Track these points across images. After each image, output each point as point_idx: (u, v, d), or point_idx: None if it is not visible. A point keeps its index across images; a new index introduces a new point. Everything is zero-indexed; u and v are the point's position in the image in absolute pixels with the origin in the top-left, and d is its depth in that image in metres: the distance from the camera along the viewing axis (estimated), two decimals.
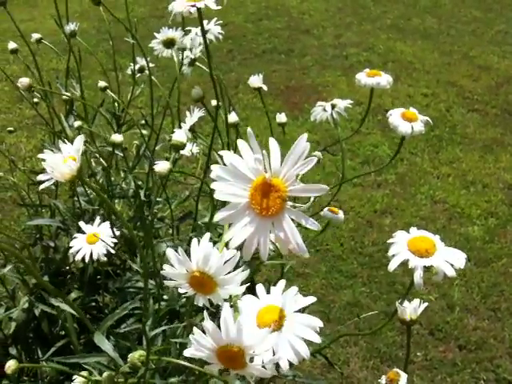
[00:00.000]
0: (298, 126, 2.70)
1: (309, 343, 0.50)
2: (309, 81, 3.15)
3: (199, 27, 0.97)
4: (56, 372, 1.02)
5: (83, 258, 0.92)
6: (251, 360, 0.48)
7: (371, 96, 0.87)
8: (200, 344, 0.49)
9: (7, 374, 0.68)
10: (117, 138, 0.86)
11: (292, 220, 0.45)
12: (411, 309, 0.62)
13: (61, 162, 0.54)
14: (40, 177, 0.74)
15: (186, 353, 0.51)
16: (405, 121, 0.76)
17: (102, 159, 1.06)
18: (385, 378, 0.72)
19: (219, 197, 0.46)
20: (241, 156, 0.45)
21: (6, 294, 1.21)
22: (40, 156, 0.63)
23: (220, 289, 0.52)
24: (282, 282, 0.53)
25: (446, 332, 1.74)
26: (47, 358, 0.95)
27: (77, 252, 0.93)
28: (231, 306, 0.51)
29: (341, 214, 1.01)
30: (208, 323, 0.48)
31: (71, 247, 0.94)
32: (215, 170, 0.46)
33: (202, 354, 0.50)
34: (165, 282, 0.54)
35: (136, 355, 0.63)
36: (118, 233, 0.95)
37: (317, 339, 0.49)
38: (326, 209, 0.99)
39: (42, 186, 0.76)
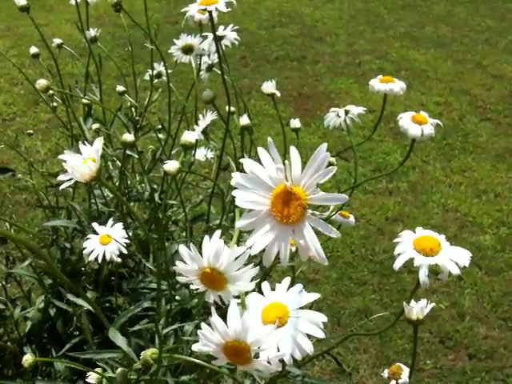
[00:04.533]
0: (311, 132, 2.71)
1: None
2: (321, 88, 3.16)
3: (216, 32, 0.98)
4: (69, 371, 1.04)
5: (98, 259, 0.94)
6: (256, 356, 0.49)
7: (384, 102, 0.87)
8: (207, 339, 0.50)
9: (22, 372, 0.69)
10: (128, 137, 0.87)
11: (312, 228, 0.46)
12: (418, 308, 0.63)
13: (81, 163, 0.55)
14: (60, 177, 0.75)
15: (194, 347, 0.52)
16: (415, 124, 0.76)
17: (118, 162, 1.08)
18: (387, 371, 0.73)
19: (241, 204, 0.47)
20: (261, 164, 0.46)
21: (21, 295, 1.24)
22: (60, 157, 0.64)
23: (230, 285, 0.53)
24: (287, 280, 0.54)
25: (456, 340, 1.73)
26: (61, 355, 0.97)
27: (90, 252, 0.95)
28: (239, 303, 0.52)
29: (352, 219, 1.01)
30: (215, 318, 0.49)
31: (85, 248, 0.96)
32: (236, 178, 0.47)
33: (209, 348, 0.51)
34: (177, 277, 0.55)
35: (148, 353, 0.64)
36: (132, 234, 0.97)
37: (321, 334, 0.49)
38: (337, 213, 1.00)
39: (62, 186, 0.78)
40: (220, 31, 1.00)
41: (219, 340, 0.49)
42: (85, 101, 1.10)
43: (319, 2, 4.37)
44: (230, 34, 1.01)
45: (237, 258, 0.50)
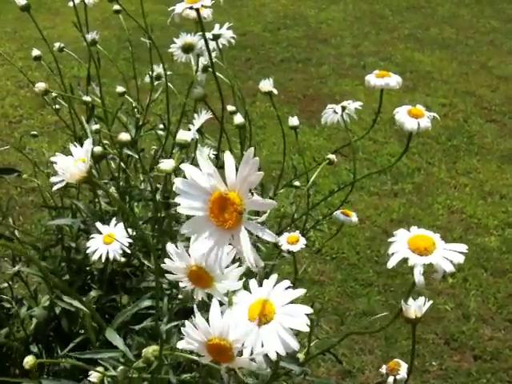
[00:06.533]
0: (315, 134, 2.71)
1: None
2: (326, 90, 3.17)
3: (211, 31, 0.99)
4: (76, 370, 1.04)
5: (102, 258, 0.95)
6: (240, 353, 0.49)
7: (381, 97, 0.88)
8: (191, 337, 0.50)
9: (29, 371, 0.70)
10: (124, 136, 0.87)
11: (250, 232, 0.46)
12: (416, 307, 0.63)
13: (71, 164, 0.56)
14: (52, 179, 0.76)
15: (179, 345, 0.52)
16: (411, 117, 0.76)
17: (120, 162, 1.09)
18: (385, 367, 0.72)
19: (183, 211, 0.47)
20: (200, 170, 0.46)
21: (28, 295, 1.24)
22: (52, 159, 0.65)
23: (217, 283, 0.54)
24: (274, 276, 0.53)
25: (461, 342, 1.73)
26: (66, 354, 0.97)
27: (93, 252, 0.96)
28: (222, 302, 0.52)
29: (354, 217, 1.01)
30: (198, 318, 0.49)
31: (88, 247, 0.97)
32: (177, 184, 0.47)
33: (192, 346, 0.51)
34: (166, 275, 0.56)
35: (150, 350, 0.64)
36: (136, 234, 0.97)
37: (305, 328, 0.49)
38: (339, 211, 1.00)
39: (54, 188, 0.79)
40: (216, 30, 1.00)
41: (202, 338, 0.50)
42: (86, 102, 1.11)
43: (324, 3, 4.37)
44: (225, 33, 1.01)
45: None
